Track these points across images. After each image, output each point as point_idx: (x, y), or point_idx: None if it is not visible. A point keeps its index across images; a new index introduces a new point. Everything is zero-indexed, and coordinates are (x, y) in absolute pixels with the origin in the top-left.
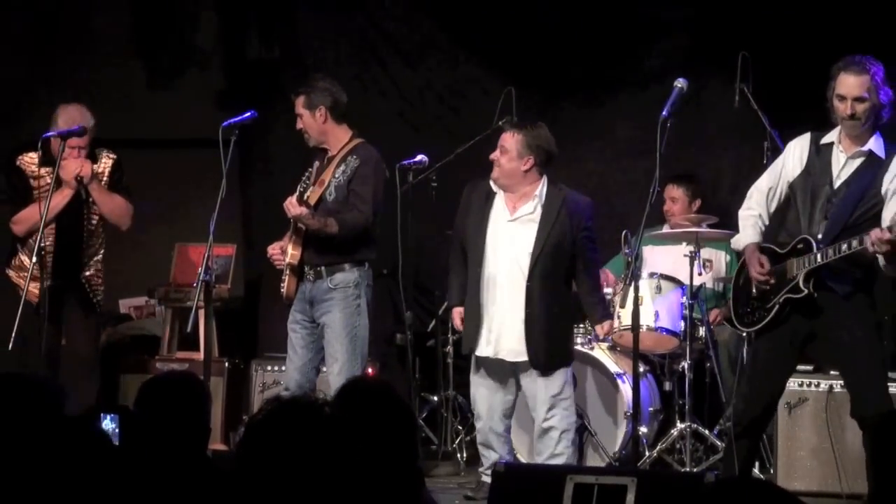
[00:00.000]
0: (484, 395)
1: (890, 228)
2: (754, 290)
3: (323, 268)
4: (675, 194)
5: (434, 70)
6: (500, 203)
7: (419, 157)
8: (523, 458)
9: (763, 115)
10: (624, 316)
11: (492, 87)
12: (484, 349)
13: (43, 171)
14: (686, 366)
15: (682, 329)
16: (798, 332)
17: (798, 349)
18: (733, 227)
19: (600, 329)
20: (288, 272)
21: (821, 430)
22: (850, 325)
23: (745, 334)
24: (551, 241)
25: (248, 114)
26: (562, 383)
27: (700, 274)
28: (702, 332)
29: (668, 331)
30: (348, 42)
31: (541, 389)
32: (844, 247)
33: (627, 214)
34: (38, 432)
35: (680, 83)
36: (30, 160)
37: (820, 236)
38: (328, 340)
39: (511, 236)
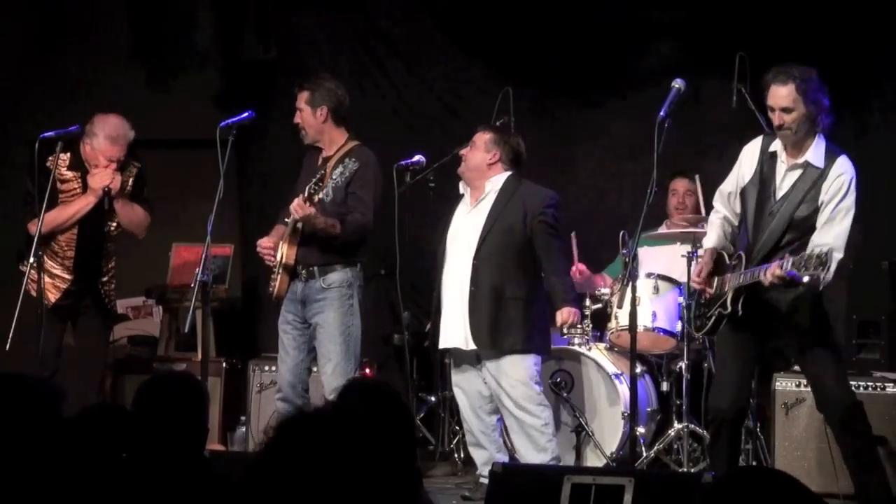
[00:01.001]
0: (460, 393)
1: (781, 265)
2: (703, 297)
3: (316, 268)
4: (692, 187)
5: (432, 70)
6: (464, 200)
7: (417, 158)
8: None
9: (760, 115)
10: (621, 316)
11: (489, 88)
12: (442, 340)
13: (70, 174)
14: (683, 366)
15: (680, 329)
16: (755, 331)
17: (757, 344)
18: None
19: (559, 316)
20: (280, 271)
21: (817, 431)
22: (800, 333)
23: (696, 336)
24: (501, 222)
25: (245, 114)
26: (524, 377)
27: None
28: None
29: (665, 331)
30: (346, 42)
31: (503, 385)
32: (749, 275)
33: (624, 215)
34: (35, 432)
35: (677, 83)
36: (60, 163)
37: (756, 250)
38: (321, 340)
39: (466, 225)
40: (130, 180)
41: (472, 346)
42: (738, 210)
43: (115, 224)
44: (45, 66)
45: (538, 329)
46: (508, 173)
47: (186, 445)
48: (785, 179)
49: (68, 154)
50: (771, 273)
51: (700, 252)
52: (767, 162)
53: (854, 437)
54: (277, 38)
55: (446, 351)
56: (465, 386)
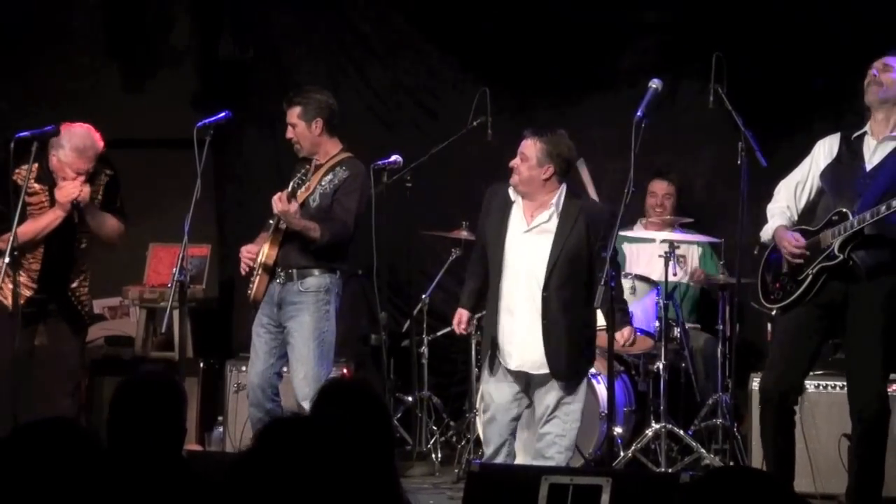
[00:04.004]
0: (491, 389)
1: (889, 204)
2: (784, 268)
3: (295, 270)
4: (670, 190)
5: (408, 70)
6: (517, 212)
7: (393, 158)
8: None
9: (737, 115)
10: (599, 316)
11: (466, 88)
12: (520, 363)
13: (38, 186)
14: (661, 366)
15: (657, 329)
16: (828, 304)
17: (826, 321)
18: (707, 226)
19: (619, 336)
20: (260, 272)
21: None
22: (870, 311)
23: (774, 313)
24: (567, 251)
25: (222, 114)
26: (572, 390)
27: (675, 274)
28: (676, 332)
29: (642, 331)
30: (322, 42)
31: (550, 395)
32: (883, 208)
33: None
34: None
35: (654, 84)
36: (27, 173)
37: (856, 209)
38: (294, 344)
39: (527, 247)
40: (101, 187)
41: (542, 370)
42: (803, 202)
43: (87, 237)
44: (18, 66)
45: (595, 346)
46: (564, 188)
47: (164, 446)
48: (876, 153)
49: (36, 165)
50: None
51: (675, 251)
52: (852, 144)
53: (869, 443)
54: (254, 38)
55: (428, 351)
56: (499, 391)
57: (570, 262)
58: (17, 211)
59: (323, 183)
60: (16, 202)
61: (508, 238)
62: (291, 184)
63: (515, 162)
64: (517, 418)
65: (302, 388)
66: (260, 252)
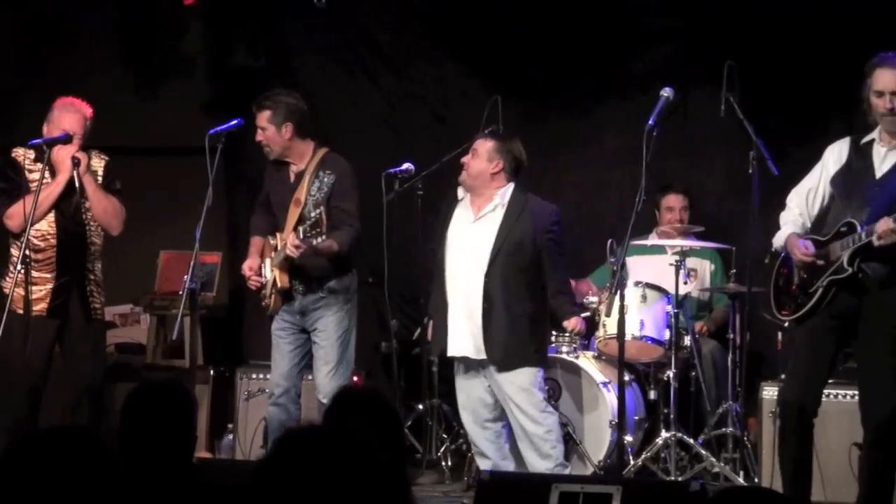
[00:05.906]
0: (463, 399)
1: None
2: (795, 279)
3: (314, 282)
4: (685, 203)
5: (420, 78)
6: (464, 206)
7: (405, 166)
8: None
9: (749, 124)
10: (609, 325)
11: (478, 96)
12: (451, 348)
13: (37, 166)
14: (671, 375)
15: (668, 338)
16: (841, 314)
17: (840, 331)
18: (719, 235)
19: (567, 324)
20: (274, 293)
21: None
22: (882, 322)
23: (786, 324)
24: (512, 238)
25: (234, 122)
26: (528, 384)
27: (685, 283)
28: (687, 341)
29: (653, 340)
30: (334, 50)
31: (507, 392)
32: (864, 233)
33: (613, 224)
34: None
35: (666, 92)
36: (24, 153)
37: (864, 219)
38: (320, 344)
39: (472, 236)
40: (99, 170)
41: (483, 355)
42: (816, 209)
43: (91, 215)
44: (31, 72)
45: (543, 344)
46: (512, 185)
47: (175, 453)
48: (885, 160)
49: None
50: (883, 230)
51: (687, 262)
52: (861, 151)
53: (880, 452)
54: (266, 46)
55: (440, 358)
56: (468, 394)
57: (513, 251)
58: (33, 209)
59: (312, 192)
60: (18, 179)
61: (452, 231)
62: (303, 230)
63: (466, 158)
64: (495, 417)
65: (324, 385)
66: (264, 268)
